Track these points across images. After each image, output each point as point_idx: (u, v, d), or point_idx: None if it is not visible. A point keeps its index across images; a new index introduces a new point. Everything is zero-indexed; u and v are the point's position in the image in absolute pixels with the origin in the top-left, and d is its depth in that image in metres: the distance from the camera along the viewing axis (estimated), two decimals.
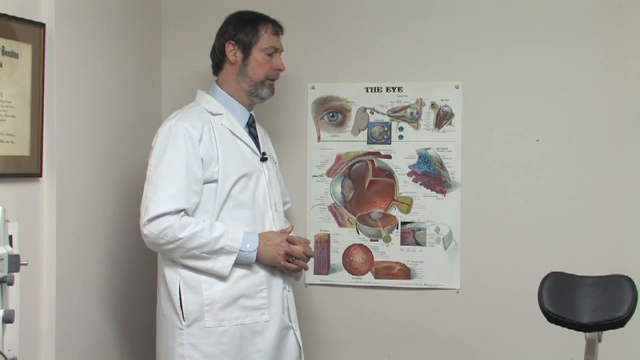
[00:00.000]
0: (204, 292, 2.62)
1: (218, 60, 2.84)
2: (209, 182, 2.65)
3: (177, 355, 2.64)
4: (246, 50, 2.78)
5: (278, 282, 2.74)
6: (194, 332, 2.62)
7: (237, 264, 2.64)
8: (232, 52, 2.79)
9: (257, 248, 2.65)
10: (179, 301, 2.63)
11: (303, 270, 2.90)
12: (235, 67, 2.80)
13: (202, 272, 2.62)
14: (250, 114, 2.86)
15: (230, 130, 2.75)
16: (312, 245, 3.08)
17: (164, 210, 2.56)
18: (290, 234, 2.78)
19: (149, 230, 2.58)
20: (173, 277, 2.65)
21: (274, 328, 2.70)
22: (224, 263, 2.61)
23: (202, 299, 2.62)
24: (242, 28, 2.80)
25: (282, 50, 2.86)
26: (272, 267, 2.73)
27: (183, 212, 2.59)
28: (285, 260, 2.71)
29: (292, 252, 2.72)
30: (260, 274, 2.69)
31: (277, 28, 2.84)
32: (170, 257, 2.64)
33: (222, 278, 2.63)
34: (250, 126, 2.85)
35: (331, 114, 3.31)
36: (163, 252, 2.64)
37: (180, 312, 2.63)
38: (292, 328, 2.78)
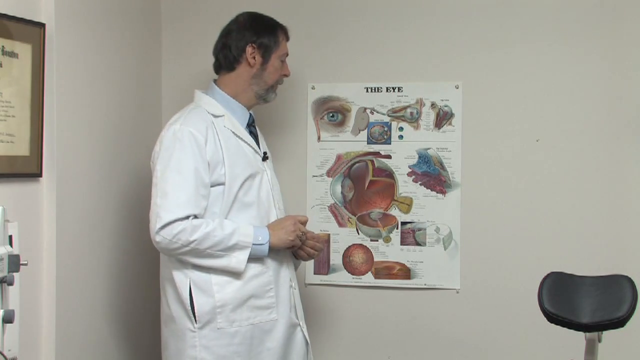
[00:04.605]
0: (215, 294, 2.62)
1: (232, 61, 2.81)
2: (216, 185, 2.65)
3: (188, 357, 2.63)
4: (267, 55, 2.80)
5: (285, 280, 2.76)
6: (206, 333, 2.62)
7: (251, 258, 2.64)
8: (252, 55, 2.79)
9: (268, 239, 2.66)
10: (189, 304, 2.62)
11: (303, 262, 2.95)
12: (252, 70, 2.80)
13: (216, 270, 2.62)
14: (250, 114, 2.86)
15: (232, 132, 2.75)
16: None
17: (176, 217, 2.56)
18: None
19: (162, 236, 2.56)
20: (183, 280, 2.64)
21: (282, 326, 2.72)
22: (238, 259, 2.62)
23: (214, 301, 2.62)
24: (264, 33, 2.81)
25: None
26: (279, 266, 2.74)
27: (193, 217, 2.59)
28: (298, 239, 2.73)
29: (304, 230, 2.75)
30: (269, 274, 2.70)
31: (288, 35, 2.90)
32: (183, 259, 2.62)
33: (236, 275, 2.64)
34: (250, 126, 2.85)
35: (331, 114, 3.31)
36: (176, 255, 2.62)
37: (192, 315, 2.62)
38: (300, 325, 2.80)
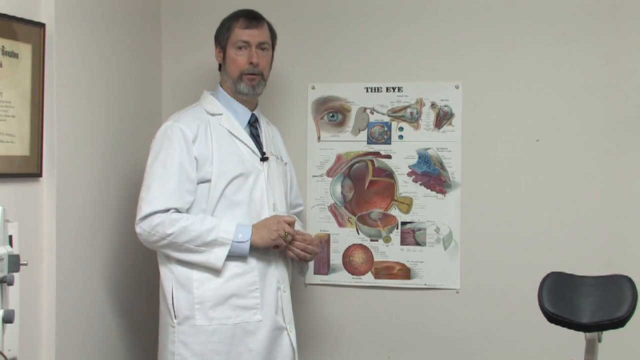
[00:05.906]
0: (195, 290, 2.64)
1: (219, 64, 2.89)
2: (203, 182, 2.68)
3: (168, 353, 2.67)
4: (223, 49, 2.82)
5: (272, 282, 2.74)
6: (185, 329, 2.64)
7: (232, 256, 2.64)
8: (219, 54, 2.85)
9: (250, 237, 2.65)
10: (171, 299, 2.66)
11: (309, 264, 2.92)
12: (223, 67, 2.84)
13: (197, 266, 2.64)
14: (253, 114, 2.86)
15: (228, 131, 2.76)
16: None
17: (155, 209, 2.61)
18: (297, 229, 2.78)
19: (142, 228, 2.62)
20: (167, 275, 2.68)
21: (267, 328, 2.70)
22: (217, 255, 2.62)
23: (193, 298, 2.64)
24: (221, 28, 2.85)
25: (263, 42, 2.79)
26: (266, 267, 2.72)
27: (174, 210, 2.62)
28: (283, 240, 2.69)
29: (288, 230, 2.69)
30: (253, 274, 2.69)
31: (248, 21, 2.79)
32: (165, 253, 2.67)
33: (216, 272, 2.64)
34: (252, 126, 2.85)
35: (331, 114, 3.31)
36: (157, 249, 2.68)
37: (172, 310, 2.65)
38: (286, 329, 2.77)
